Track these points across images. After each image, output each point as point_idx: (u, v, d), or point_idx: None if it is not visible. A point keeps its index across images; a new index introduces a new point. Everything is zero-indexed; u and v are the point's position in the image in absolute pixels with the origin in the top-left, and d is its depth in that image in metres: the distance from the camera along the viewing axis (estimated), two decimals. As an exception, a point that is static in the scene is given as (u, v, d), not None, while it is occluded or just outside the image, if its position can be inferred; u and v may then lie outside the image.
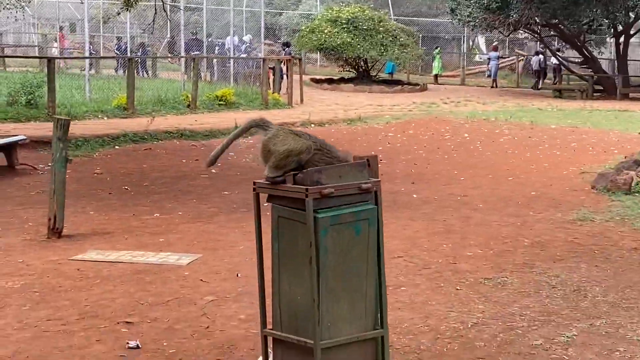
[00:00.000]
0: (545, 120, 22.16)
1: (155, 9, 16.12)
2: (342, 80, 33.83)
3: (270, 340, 5.21)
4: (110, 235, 9.49)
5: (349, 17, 32.63)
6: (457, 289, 7.32)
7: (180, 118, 20.96)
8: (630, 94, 31.82)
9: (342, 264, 4.89)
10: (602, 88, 32.50)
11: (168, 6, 20.04)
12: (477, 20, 32.13)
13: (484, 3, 31.21)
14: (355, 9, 33.39)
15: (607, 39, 42.41)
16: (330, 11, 33.87)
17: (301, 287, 4.90)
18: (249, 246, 8.90)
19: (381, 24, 32.99)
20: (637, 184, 12.01)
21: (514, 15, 30.50)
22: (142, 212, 10.82)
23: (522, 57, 41.84)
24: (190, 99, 22.70)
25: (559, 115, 23.87)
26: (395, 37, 32.76)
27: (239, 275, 7.83)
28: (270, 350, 5.57)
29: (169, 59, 35.99)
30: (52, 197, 9.27)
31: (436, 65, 38.47)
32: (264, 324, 5.21)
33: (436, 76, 38.35)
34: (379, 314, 5.08)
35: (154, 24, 16.30)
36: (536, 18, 31.06)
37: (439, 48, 39.54)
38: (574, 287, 7.33)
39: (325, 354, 4.84)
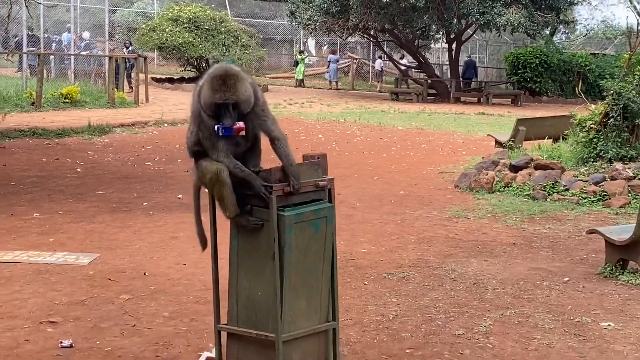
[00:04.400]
0: (391, 122, 22.91)
1: (11, 4, 15.55)
2: (183, 79, 33.65)
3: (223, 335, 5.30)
4: (-4, 236, 9.21)
5: (191, 16, 32.47)
6: (365, 284, 7.60)
7: (26, 116, 20.34)
8: (461, 98, 33.30)
9: (302, 261, 5.05)
10: (435, 92, 33.84)
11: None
12: (317, 24, 32.74)
13: (324, 7, 31.85)
14: (197, 8, 33.25)
15: (432, 45, 44.12)
16: (171, 10, 33.56)
17: (262, 284, 5.02)
18: (145, 245, 8.92)
19: (223, 24, 33.03)
20: (497, 184, 12.72)
21: (353, 20, 31.29)
22: (20, 212, 10.51)
23: (355, 60, 42.95)
24: (35, 97, 22.03)
25: (402, 117, 24.73)
26: (237, 38, 32.89)
27: (146, 274, 7.81)
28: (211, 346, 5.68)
29: (6, 57, 34.56)
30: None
31: (300, 69, 38.61)
32: (217, 319, 5.28)
33: (301, 80, 38.48)
34: (330, 308, 5.28)
35: (8, 18, 15.70)
36: (374, 23, 31.96)
37: (303, 52, 40.00)
38: (473, 280, 7.75)
39: (285, 346, 5.00)
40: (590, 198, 11.72)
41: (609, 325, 6.41)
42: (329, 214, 5.11)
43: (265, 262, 4.97)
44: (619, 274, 7.77)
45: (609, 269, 7.87)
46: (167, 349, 5.93)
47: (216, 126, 4.80)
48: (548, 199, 11.88)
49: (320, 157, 5.34)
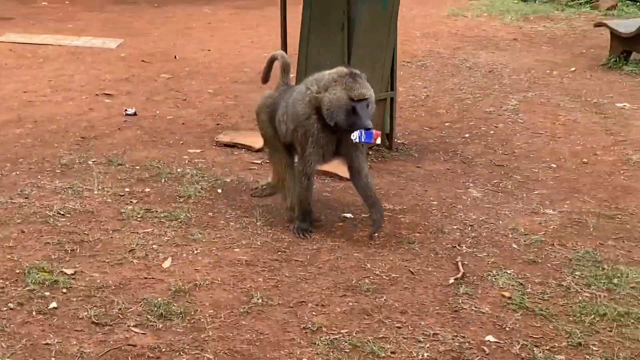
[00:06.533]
0: None
1: None
2: None
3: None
4: (15, 21, 9.36)
5: None
6: (389, 70, 8.00)
7: None
8: None
9: (369, 34, 5.40)
10: None
11: None
12: None
13: None
14: None
15: None
16: None
17: (330, 53, 5.37)
18: (164, 32, 9.18)
19: None
20: (486, -14, 13.00)
21: None
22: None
23: None
24: None
25: None
26: None
27: (176, 57, 8.10)
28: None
29: None
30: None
31: None
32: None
33: None
34: (390, 80, 5.70)
35: None
36: None
37: None
38: (488, 68, 8.20)
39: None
40: (578, 0, 12.08)
41: (624, 105, 6.95)
42: (396, -10, 5.43)
43: (336, 32, 5.31)
44: (623, 65, 8.26)
45: (613, 60, 8.36)
46: (223, 118, 6.33)
47: (355, 132, 4.09)
48: (537, 1, 12.23)
49: None
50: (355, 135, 4.08)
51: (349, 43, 5.31)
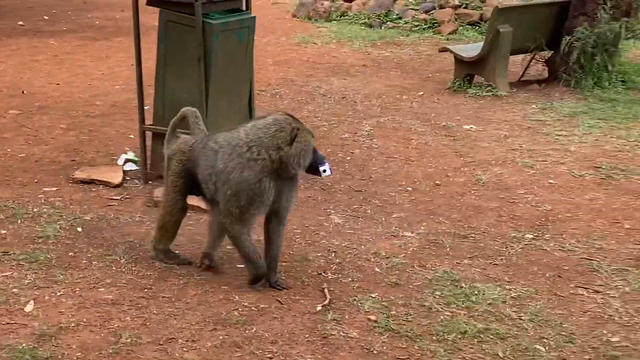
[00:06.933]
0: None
1: None
2: None
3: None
4: None
5: None
6: (243, 99, 8.06)
7: None
8: None
9: (225, 68, 5.45)
10: None
11: None
12: None
13: None
14: None
15: None
16: None
17: (188, 86, 5.39)
18: (9, 67, 8.99)
19: None
20: (333, 13, 13.30)
21: None
22: None
23: None
24: None
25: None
26: None
27: (24, 92, 7.92)
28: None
29: None
30: None
31: None
32: (142, 121, 5.63)
33: None
34: (249, 111, 5.76)
35: None
36: None
37: None
38: (340, 95, 8.38)
39: (209, 143, 5.44)
40: (421, 25, 12.51)
41: (471, 127, 7.23)
42: (251, 24, 5.51)
43: (192, 66, 5.32)
44: (467, 88, 8.60)
45: (457, 83, 8.69)
46: (78, 154, 6.22)
47: (325, 166, 4.07)
48: (383, 27, 12.58)
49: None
50: (325, 169, 4.04)
51: (206, 76, 5.33)
